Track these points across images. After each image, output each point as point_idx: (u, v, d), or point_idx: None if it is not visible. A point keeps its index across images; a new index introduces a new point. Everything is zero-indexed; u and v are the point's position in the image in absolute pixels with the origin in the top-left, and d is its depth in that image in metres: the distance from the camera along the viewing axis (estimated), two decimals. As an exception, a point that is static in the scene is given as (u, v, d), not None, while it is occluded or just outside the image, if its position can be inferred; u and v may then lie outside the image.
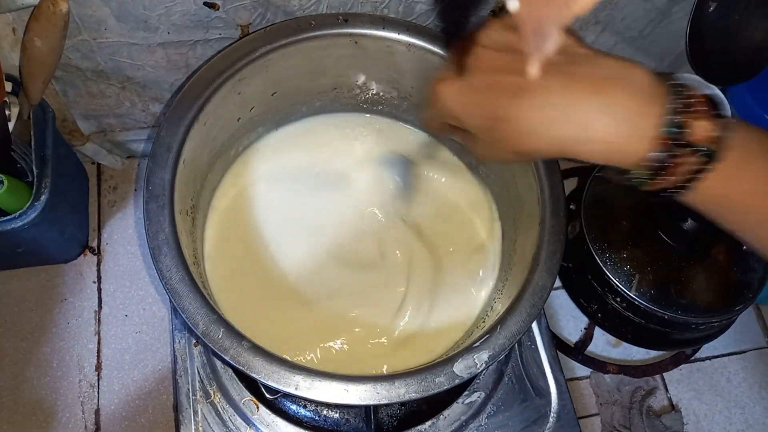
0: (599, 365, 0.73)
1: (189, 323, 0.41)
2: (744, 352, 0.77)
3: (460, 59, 0.36)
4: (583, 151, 0.32)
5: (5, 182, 0.54)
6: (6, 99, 0.54)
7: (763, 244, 0.34)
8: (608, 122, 0.31)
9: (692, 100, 0.31)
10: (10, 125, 0.56)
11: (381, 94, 0.61)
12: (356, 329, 0.54)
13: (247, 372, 0.40)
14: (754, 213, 0.33)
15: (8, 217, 0.56)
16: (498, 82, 0.33)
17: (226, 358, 0.40)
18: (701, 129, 0.31)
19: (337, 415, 0.58)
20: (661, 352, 0.76)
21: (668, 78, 0.32)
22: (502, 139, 0.34)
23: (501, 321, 0.44)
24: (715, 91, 0.33)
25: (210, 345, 0.40)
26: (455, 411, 0.57)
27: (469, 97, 0.34)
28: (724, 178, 0.32)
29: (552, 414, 0.58)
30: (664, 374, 0.75)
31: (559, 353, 0.70)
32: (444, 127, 0.39)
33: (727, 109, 0.32)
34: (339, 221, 0.58)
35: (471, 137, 0.36)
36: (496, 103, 0.33)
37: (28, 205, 0.56)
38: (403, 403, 0.59)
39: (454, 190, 0.62)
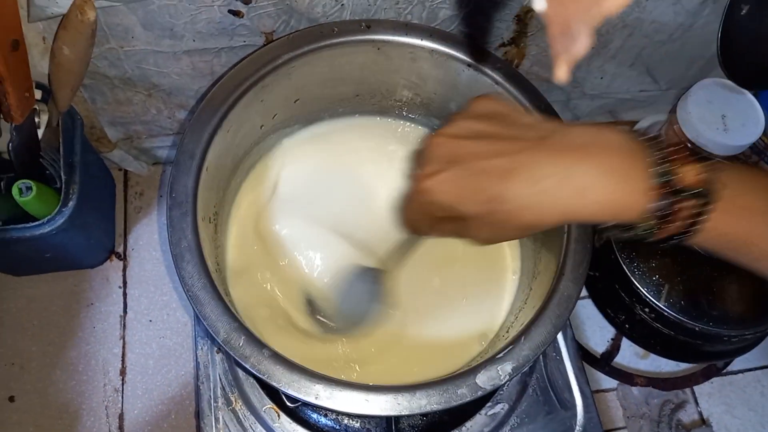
0: (626, 377, 0.72)
1: (210, 331, 0.41)
2: (779, 365, 0.75)
3: (434, 153, 0.37)
4: (586, 214, 0.34)
5: (34, 188, 0.55)
6: (36, 106, 0.55)
7: None
8: (603, 182, 0.33)
9: (671, 149, 0.33)
10: (40, 132, 0.57)
11: (403, 100, 0.61)
12: (377, 337, 0.54)
13: (268, 380, 0.39)
14: (758, 245, 0.34)
15: (37, 223, 0.57)
16: (485, 167, 0.34)
17: (247, 366, 0.40)
18: (690, 173, 0.33)
19: (357, 424, 0.57)
20: (691, 365, 0.74)
21: (638, 134, 0.35)
22: (504, 219, 0.35)
23: (525, 332, 0.43)
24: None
25: (231, 353, 0.40)
26: (478, 422, 0.56)
27: (461, 186, 0.35)
28: (725, 215, 0.33)
29: (577, 427, 0.57)
30: (695, 387, 0.73)
31: (585, 364, 0.69)
32: (426, 227, 0.40)
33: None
34: (359, 227, 0.58)
35: (465, 226, 0.37)
36: (490, 187, 0.34)
37: (56, 211, 0.57)
38: (424, 414, 0.58)
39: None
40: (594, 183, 0.33)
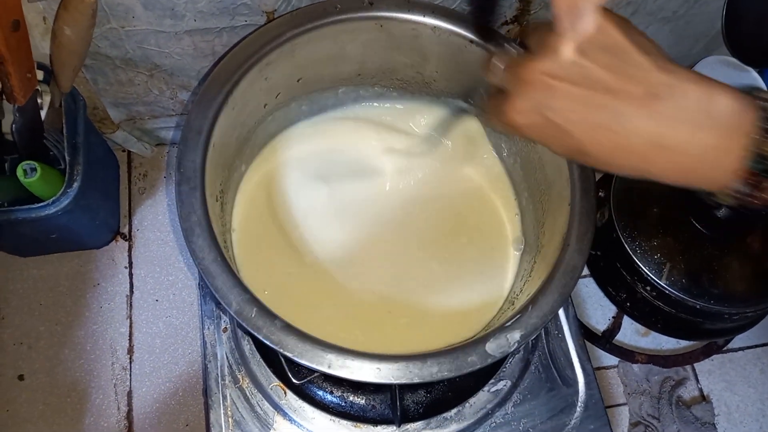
0: (627, 354, 0.72)
1: (222, 302, 0.41)
2: (779, 343, 0.76)
3: (527, 92, 0.35)
4: (668, 179, 0.33)
5: (38, 170, 0.55)
6: (38, 87, 0.55)
7: None
8: (688, 157, 0.32)
9: None
10: (42, 113, 0.57)
11: (406, 78, 0.61)
12: (384, 308, 0.54)
13: (280, 350, 0.40)
14: None
15: (42, 204, 0.57)
16: (574, 120, 0.34)
17: (260, 337, 0.40)
18: None
19: (363, 401, 0.58)
20: (691, 342, 0.74)
21: (756, 99, 0.32)
22: (587, 161, 0.35)
23: (532, 301, 0.43)
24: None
25: (243, 324, 0.40)
26: (481, 399, 0.57)
27: (546, 132, 0.35)
28: None
29: (579, 403, 0.58)
30: (695, 364, 0.74)
31: (587, 342, 0.70)
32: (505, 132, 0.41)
33: None
34: (365, 203, 0.59)
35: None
36: (575, 141, 0.34)
37: (60, 192, 0.58)
38: (429, 390, 0.59)
39: (478, 172, 0.62)
40: (684, 154, 0.32)
